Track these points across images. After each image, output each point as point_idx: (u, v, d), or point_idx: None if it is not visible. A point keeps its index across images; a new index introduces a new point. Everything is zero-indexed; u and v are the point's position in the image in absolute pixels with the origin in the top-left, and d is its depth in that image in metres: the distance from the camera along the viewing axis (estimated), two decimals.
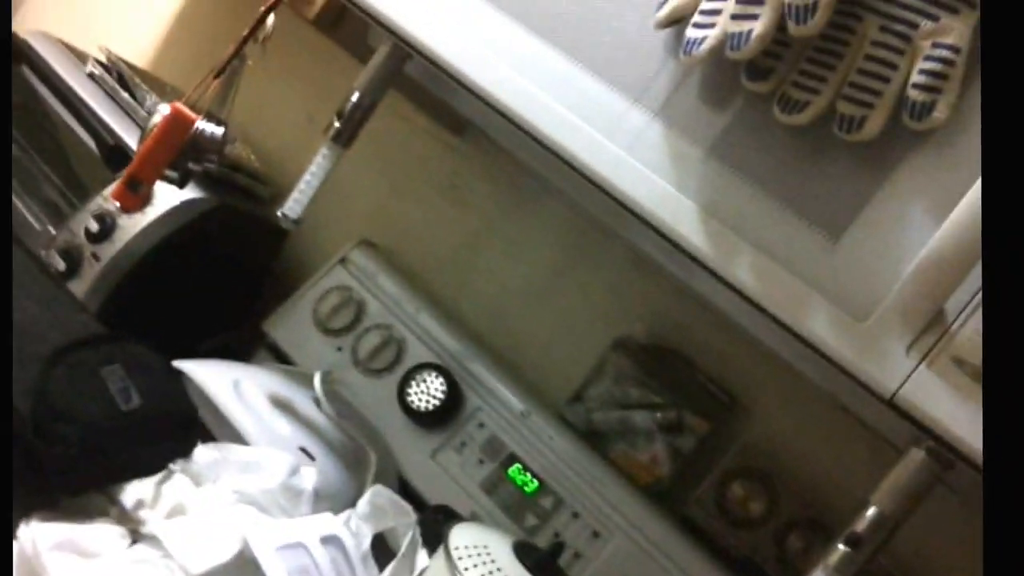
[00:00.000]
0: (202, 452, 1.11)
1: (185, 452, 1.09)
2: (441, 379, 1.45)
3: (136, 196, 1.20)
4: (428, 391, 1.45)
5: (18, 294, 1.10)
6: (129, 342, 1.14)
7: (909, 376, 0.85)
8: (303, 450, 1.23)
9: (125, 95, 1.60)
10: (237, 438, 1.18)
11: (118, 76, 1.65)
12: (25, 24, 2.09)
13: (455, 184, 1.68)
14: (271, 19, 1.20)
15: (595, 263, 1.56)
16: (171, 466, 1.07)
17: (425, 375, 1.46)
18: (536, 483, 1.39)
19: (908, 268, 0.85)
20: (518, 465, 1.40)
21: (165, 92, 1.68)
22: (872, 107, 0.86)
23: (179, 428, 1.13)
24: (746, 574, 1.31)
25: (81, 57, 1.69)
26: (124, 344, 1.12)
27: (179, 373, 1.21)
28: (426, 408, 1.44)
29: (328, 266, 1.60)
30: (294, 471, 1.12)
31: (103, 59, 1.72)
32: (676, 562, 1.31)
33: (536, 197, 1.60)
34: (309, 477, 1.14)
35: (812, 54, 0.89)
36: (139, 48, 2.07)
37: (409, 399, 1.45)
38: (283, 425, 1.25)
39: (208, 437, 1.18)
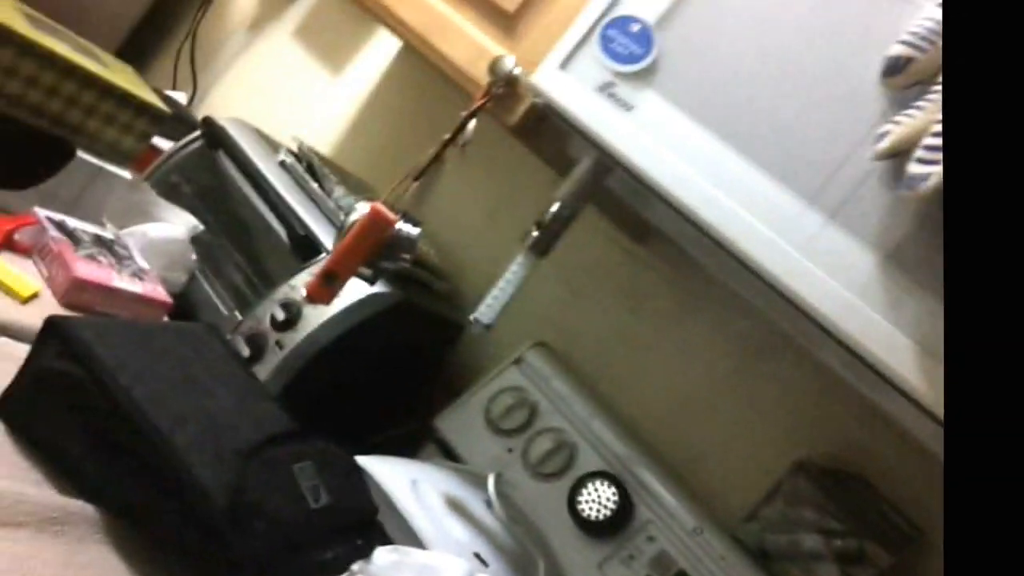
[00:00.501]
0: (381, 554, 1.10)
1: (367, 552, 1.09)
2: (613, 488, 1.42)
3: (330, 290, 1.23)
4: (599, 500, 1.42)
5: (215, 385, 1.12)
6: (317, 439, 1.15)
7: None
8: (477, 556, 1.22)
9: (314, 185, 1.63)
10: (411, 537, 1.18)
11: (308, 166, 1.69)
12: (215, 109, 2.16)
13: (633, 290, 1.67)
14: (472, 124, 1.22)
15: (775, 375, 1.52)
16: (352, 567, 1.07)
17: (596, 483, 1.44)
18: None
19: None
20: None
21: (350, 183, 1.72)
22: None
23: (362, 527, 1.13)
24: None
25: (273, 146, 1.75)
26: (314, 441, 1.13)
27: (360, 470, 1.21)
28: (596, 517, 1.41)
29: (503, 366, 1.60)
30: None
31: (295, 148, 1.77)
32: None
33: (714, 306, 1.58)
34: None
35: None
36: (324, 136, 2.13)
37: (579, 507, 1.43)
38: (458, 529, 1.24)
39: (382, 536, 1.17)
